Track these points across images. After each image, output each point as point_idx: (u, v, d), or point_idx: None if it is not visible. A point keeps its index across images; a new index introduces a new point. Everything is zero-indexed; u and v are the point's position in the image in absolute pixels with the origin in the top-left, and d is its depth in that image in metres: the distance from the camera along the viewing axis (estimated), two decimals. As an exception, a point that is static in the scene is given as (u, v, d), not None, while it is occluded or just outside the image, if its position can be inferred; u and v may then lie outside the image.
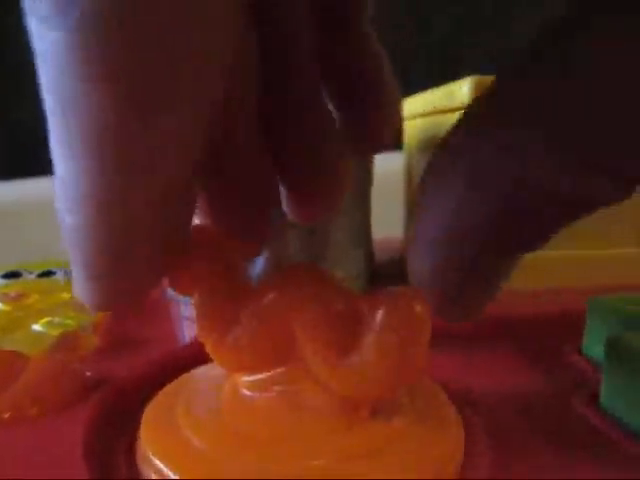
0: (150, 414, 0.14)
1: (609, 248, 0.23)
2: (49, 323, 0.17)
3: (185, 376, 0.15)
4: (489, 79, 0.22)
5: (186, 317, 0.22)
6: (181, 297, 0.23)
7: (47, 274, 0.21)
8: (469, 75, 0.22)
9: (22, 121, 0.62)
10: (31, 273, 0.21)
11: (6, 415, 0.14)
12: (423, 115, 0.29)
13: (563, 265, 0.23)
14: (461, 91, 0.22)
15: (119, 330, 0.20)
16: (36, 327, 0.17)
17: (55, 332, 0.17)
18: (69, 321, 0.17)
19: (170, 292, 0.24)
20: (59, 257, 0.24)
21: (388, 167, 0.29)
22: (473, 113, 0.10)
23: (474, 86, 0.22)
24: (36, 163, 0.61)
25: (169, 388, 0.15)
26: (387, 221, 0.27)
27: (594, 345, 0.18)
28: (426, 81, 0.31)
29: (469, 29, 0.59)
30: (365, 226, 0.25)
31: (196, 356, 0.16)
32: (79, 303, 0.20)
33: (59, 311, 0.18)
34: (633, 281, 0.22)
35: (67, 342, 0.16)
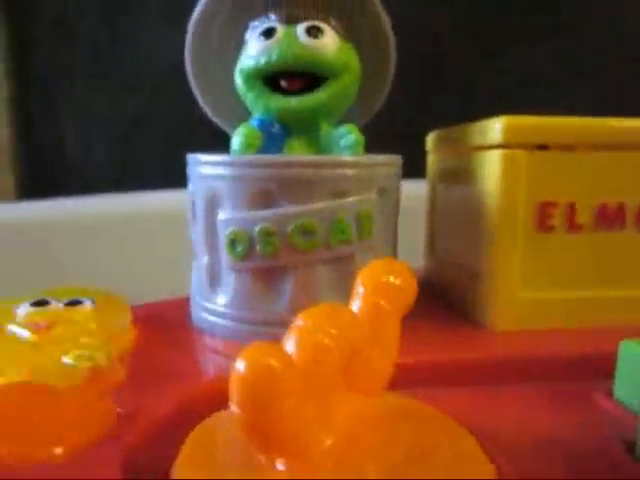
0: (188, 449, 0.14)
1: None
2: (79, 356, 0.17)
3: (222, 412, 0.15)
4: (522, 119, 0.22)
5: (211, 349, 0.22)
6: (206, 328, 0.23)
7: (74, 303, 0.21)
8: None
9: (47, 141, 0.63)
10: (59, 302, 0.21)
11: (39, 453, 0.14)
12: (447, 148, 0.29)
13: (595, 305, 0.23)
14: (493, 129, 0.22)
15: (146, 362, 0.20)
16: (66, 360, 0.17)
17: (85, 364, 0.16)
18: (98, 353, 0.17)
19: (195, 324, 0.24)
20: (83, 279, 0.24)
21: (410, 196, 0.29)
22: None
23: (507, 125, 0.22)
24: (61, 184, 0.62)
25: (205, 425, 0.15)
26: (407, 249, 0.27)
27: (625, 389, 0.18)
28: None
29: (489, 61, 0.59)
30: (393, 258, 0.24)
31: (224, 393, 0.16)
32: (105, 333, 0.20)
33: (86, 342, 0.18)
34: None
35: (97, 376, 0.16)
